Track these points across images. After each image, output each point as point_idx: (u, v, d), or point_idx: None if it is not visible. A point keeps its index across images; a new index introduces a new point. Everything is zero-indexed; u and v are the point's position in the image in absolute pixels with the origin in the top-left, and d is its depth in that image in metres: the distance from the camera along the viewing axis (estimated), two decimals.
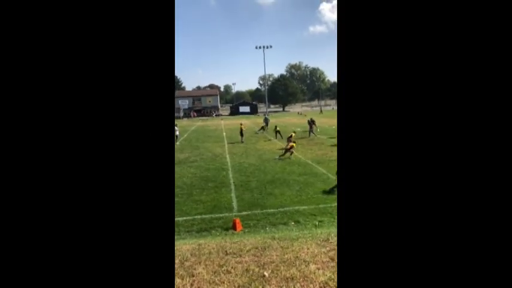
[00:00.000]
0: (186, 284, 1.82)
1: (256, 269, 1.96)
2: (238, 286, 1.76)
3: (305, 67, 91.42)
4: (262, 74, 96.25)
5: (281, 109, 69.93)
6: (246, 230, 5.53)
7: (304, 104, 76.28)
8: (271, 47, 51.03)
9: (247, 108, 57.81)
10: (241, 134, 16.82)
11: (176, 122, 32.64)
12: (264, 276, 1.86)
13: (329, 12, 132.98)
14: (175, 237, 5.34)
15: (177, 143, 17.03)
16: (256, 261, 2.11)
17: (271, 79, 79.59)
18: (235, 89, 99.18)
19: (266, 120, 25.50)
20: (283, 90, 67.83)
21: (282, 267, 1.98)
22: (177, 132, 17.77)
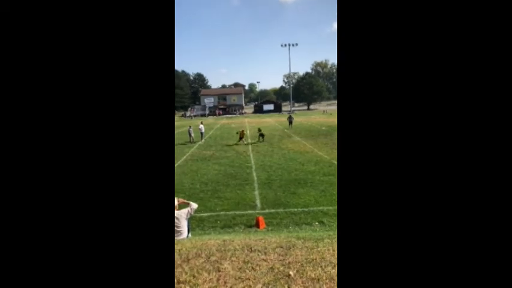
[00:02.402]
0: (212, 279, 1.86)
1: (281, 268, 1.96)
2: (264, 284, 1.76)
3: (331, 65, 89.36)
4: (287, 72, 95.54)
5: (306, 107, 68.99)
6: (270, 228, 5.54)
7: (329, 102, 74.62)
8: (296, 44, 50.60)
9: (271, 107, 57.69)
10: (240, 138, 16.35)
11: (202, 119, 33.43)
12: (290, 275, 1.85)
13: None
14: (200, 232, 5.48)
15: (202, 141, 17.37)
16: (281, 260, 2.11)
17: (296, 77, 78.67)
18: (259, 87, 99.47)
19: (290, 119, 25.31)
20: (308, 88, 66.76)
21: (307, 268, 1.96)
22: (202, 130, 18.13)
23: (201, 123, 19.30)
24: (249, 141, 16.58)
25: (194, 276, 1.89)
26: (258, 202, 6.94)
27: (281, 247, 2.43)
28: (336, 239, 2.85)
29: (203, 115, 53.11)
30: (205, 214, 6.28)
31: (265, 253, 2.28)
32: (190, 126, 18.04)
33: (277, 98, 77.49)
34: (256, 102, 69.39)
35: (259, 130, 17.43)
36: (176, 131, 23.58)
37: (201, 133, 18.03)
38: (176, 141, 17.98)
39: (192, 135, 17.35)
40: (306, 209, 6.37)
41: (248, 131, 21.29)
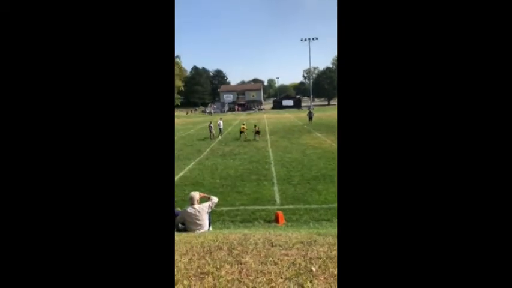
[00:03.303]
0: (234, 271, 1.89)
1: (303, 263, 1.96)
2: (286, 278, 1.77)
3: None
4: (307, 67, 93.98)
5: (326, 103, 67.73)
6: (289, 224, 5.53)
7: None
8: (317, 39, 49.54)
9: (290, 102, 57.17)
10: (241, 133, 16.52)
11: (221, 115, 33.70)
12: (312, 271, 1.85)
13: None
14: (220, 226, 5.58)
15: (220, 137, 17.56)
16: (303, 255, 2.10)
17: (316, 72, 77.28)
18: (278, 82, 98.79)
19: (310, 114, 24.96)
20: (329, 83, 65.43)
21: (329, 264, 1.95)
22: (221, 126, 18.34)
23: (220, 119, 19.54)
24: (246, 137, 16.49)
25: (217, 268, 1.93)
26: (277, 198, 6.95)
27: (302, 243, 2.43)
28: None
29: (222, 111, 53.65)
30: (225, 208, 6.37)
31: (286, 248, 2.28)
32: (210, 122, 18.31)
33: (296, 94, 76.57)
34: (275, 98, 69.00)
35: (255, 126, 17.12)
36: (197, 127, 24.01)
37: (220, 129, 18.26)
38: (197, 137, 18.32)
39: (213, 131, 17.63)
40: (325, 206, 6.30)
41: (267, 127, 21.21)
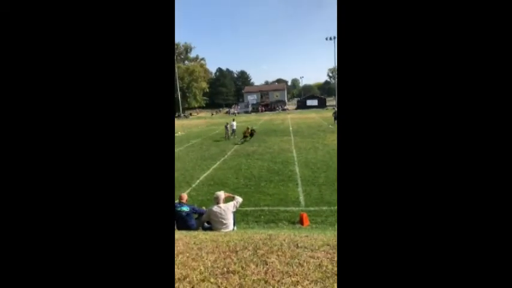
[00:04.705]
0: (260, 271, 1.90)
1: (330, 266, 1.92)
2: (312, 281, 1.75)
3: None
4: (332, 66, 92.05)
5: None
6: (314, 226, 5.45)
7: None
8: None
9: (314, 102, 56.24)
10: (245, 136, 16.11)
11: (244, 116, 33.65)
12: None
13: None
14: (244, 226, 5.62)
15: (232, 138, 17.78)
16: (329, 258, 2.06)
17: None
18: (303, 82, 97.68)
19: (335, 114, 24.41)
20: None
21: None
22: (234, 127, 18.60)
23: (233, 121, 19.82)
24: (235, 137, 16.20)
25: (243, 268, 1.95)
26: (301, 199, 6.86)
27: (328, 245, 2.38)
28: None
29: (246, 112, 54.03)
30: (249, 208, 6.40)
31: (311, 250, 2.25)
32: (227, 123, 18.78)
33: (321, 93, 75.23)
34: (299, 98, 68.27)
35: (248, 128, 16.89)
36: (220, 128, 24.36)
37: (233, 130, 18.52)
38: (218, 137, 18.61)
39: (229, 131, 18.17)
40: None
41: (291, 128, 21.03)
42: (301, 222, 5.56)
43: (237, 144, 15.07)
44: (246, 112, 53.80)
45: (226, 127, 18.52)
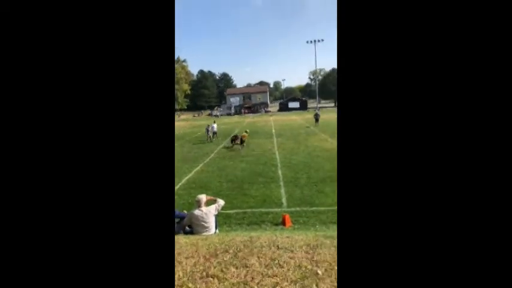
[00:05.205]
0: (240, 274, 1.88)
1: (309, 266, 1.94)
2: (291, 281, 1.76)
3: None
4: (313, 68, 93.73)
5: (332, 104, 67.32)
6: (296, 227, 5.49)
7: None
8: (322, 40, 49.42)
9: (296, 104, 57.02)
10: (241, 141, 14.41)
11: (227, 119, 33.56)
12: (318, 274, 1.83)
13: None
14: (227, 228, 5.57)
15: (214, 140, 17.70)
16: (309, 258, 2.09)
17: (322, 73, 76.98)
18: (285, 85, 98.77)
19: (316, 116, 24.87)
20: (335, 84, 64.91)
21: (335, 267, 1.92)
22: (215, 129, 18.53)
23: (214, 123, 19.77)
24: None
25: (222, 271, 1.93)
26: (284, 200, 6.91)
27: (308, 245, 2.41)
28: None
29: (229, 114, 53.84)
30: (232, 211, 6.37)
31: (292, 251, 2.27)
32: (208, 125, 18.68)
33: (302, 96, 76.38)
34: (282, 100, 68.93)
35: (246, 132, 15.54)
36: (202, 130, 24.12)
37: (214, 132, 18.45)
38: (199, 140, 18.41)
39: (210, 134, 18.07)
40: (333, 208, 6.24)
41: (274, 130, 21.18)
42: (283, 223, 5.60)
43: (234, 149, 14.03)
44: (229, 114, 53.63)
45: (207, 129, 18.40)
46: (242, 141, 14.25)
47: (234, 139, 14.90)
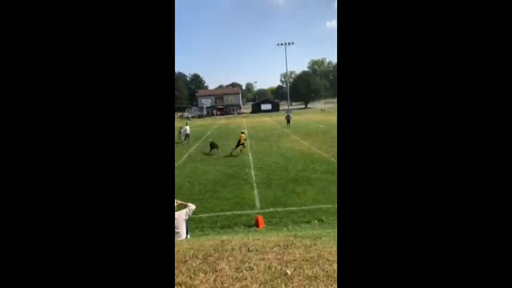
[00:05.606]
0: (209, 279, 1.85)
1: (279, 267, 1.95)
2: (261, 283, 1.75)
3: (328, 63, 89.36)
4: (284, 71, 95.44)
5: (303, 106, 69.01)
6: (269, 228, 5.53)
7: (327, 100, 74.60)
8: (293, 43, 50.49)
9: (268, 106, 57.70)
10: (240, 144, 13.36)
11: (199, 121, 33.00)
12: (287, 274, 1.84)
13: None
14: (199, 233, 5.46)
15: (186, 142, 17.41)
16: (279, 258, 2.10)
17: (293, 76, 78.67)
18: (257, 87, 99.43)
19: (288, 118, 25.35)
20: (306, 87, 66.80)
21: (305, 266, 1.95)
22: (187, 132, 18.23)
23: (186, 125, 19.47)
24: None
25: (191, 278, 1.88)
26: (257, 202, 6.94)
27: (279, 246, 2.42)
28: (334, 237, 2.84)
29: (200, 116, 53.04)
30: (205, 215, 6.26)
31: (262, 252, 2.27)
32: (180, 128, 18.32)
33: (274, 98, 77.39)
34: (254, 102, 69.36)
35: (242, 133, 14.35)
36: (175, 132, 23.54)
37: (186, 134, 18.15)
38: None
39: (182, 136, 17.76)
40: (305, 208, 6.38)
41: (246, 131, 21.24)
42: (256, 225, 5.61)
43: (234, 155, 12.69)
44: (200, 116, 52.84)
45: (179, 132, 18.00)
46: (239, 144, 13.22)
47: (213, 146, 13.52)
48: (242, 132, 14.45)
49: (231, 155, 12.69)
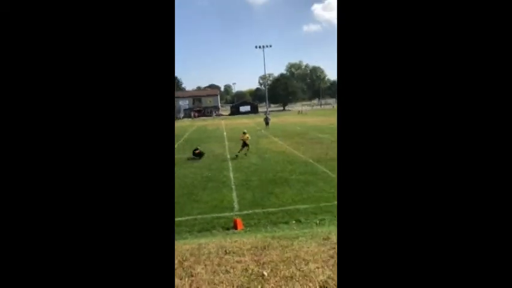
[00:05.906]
0: (185, 284, 1.81)
1: (256, 269, 1.95)
2: (237, 286, 1.75)
3: (305, 66, 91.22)
4: (262, 73, 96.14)
5: (282, 108, 69.83)
6: (247, 230, 5.52)
7: (304, 102, 76.10)
8: (271, 46, 51.00)
9: (247, 108, 57.79)
10: (245, 145, 12.31)
11: (177, 122, 32.33)
12: (263, 275, 1.85)
13: (322, 11, 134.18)
14: (176, 237, 5.33)
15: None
16: (255, 260, 2.10)
17: (271, 78, 79.42)
18: (235, 89, 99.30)
19: (267, 120, 25.53)
20: (283, 89, 67.69)
21: (281, 266, 1.97)
22: None
23: None
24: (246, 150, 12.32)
25: None
26: (235, 204, 6.90)
27: (256, 247, 2.43)
28: (312, 236, 2.89)
29: (178, 118, 52.01)
30: (182, 218, 6.13)
31: (239, 255, 2.26)
32: None
33: (253, 99, 77.66)
34: (233, 104, 69.16)
35: (244, 133, 12.67)
36: None
37: None
38: None
39: None
40: (283, 208, 6.43)
41: (225, 133, 21.09)
42: (235, 227, 5.57)
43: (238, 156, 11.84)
44: (178, 118, 51.80)
45: None
46: (245, 144, 12.18)
47: (198, 155, 12.34)
48: (244, 132, 12.68)
49: (236, 157, 11.99)
